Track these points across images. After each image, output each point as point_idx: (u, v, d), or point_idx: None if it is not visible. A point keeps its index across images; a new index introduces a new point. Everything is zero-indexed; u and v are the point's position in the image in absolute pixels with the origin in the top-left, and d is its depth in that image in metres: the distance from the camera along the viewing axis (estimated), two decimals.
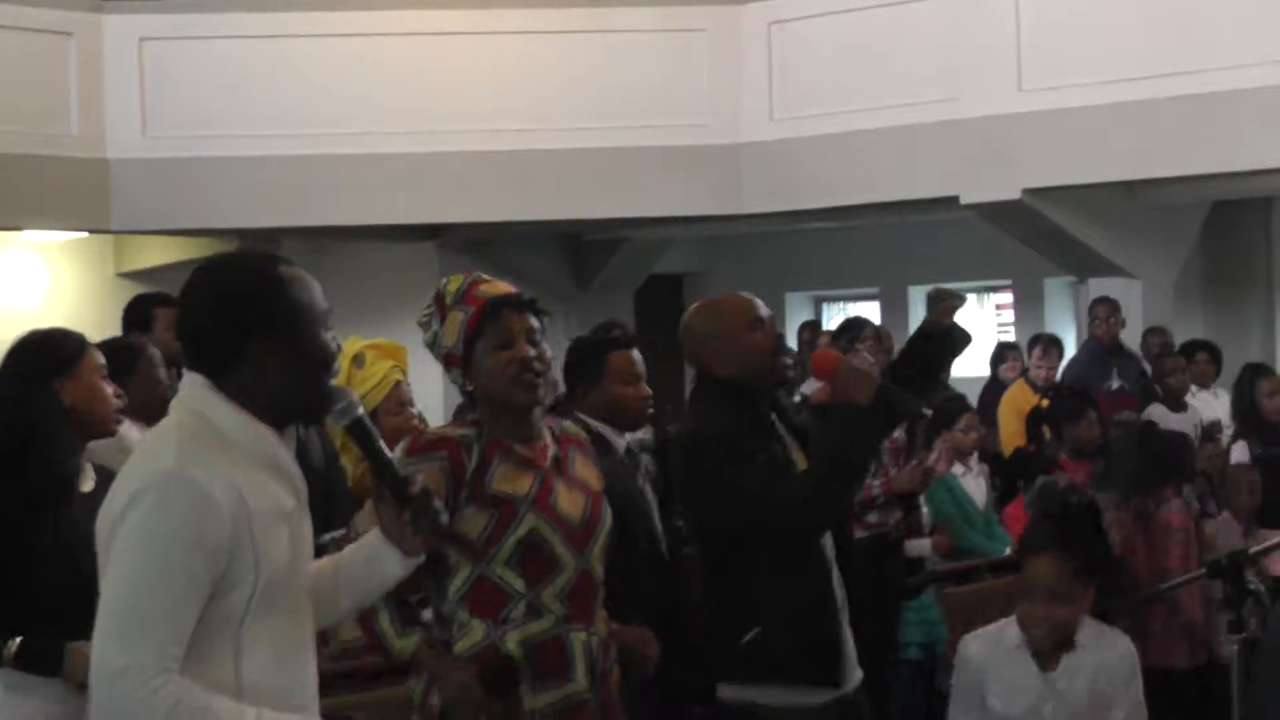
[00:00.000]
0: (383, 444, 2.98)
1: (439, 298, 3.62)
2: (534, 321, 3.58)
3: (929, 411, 4.27)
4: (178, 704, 2.65)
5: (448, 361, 3.59)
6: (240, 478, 2.77)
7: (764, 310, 4.21)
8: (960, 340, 4.77)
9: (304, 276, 2.93)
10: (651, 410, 5.12)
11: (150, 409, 4.70)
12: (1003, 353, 11.38)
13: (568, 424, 3.74)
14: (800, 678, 4.03)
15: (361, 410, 2.97)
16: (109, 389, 4.24)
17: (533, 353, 3.53)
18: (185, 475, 2.72)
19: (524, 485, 3.50)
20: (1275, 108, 9.44)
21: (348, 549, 3.10)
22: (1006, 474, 9.05)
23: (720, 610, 4.10)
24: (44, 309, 12.06)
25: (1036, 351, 10.36)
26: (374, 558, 3.01)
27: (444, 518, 2.98)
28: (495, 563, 3.45)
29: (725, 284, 15.31)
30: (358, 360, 5.31)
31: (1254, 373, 8.86)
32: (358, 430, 2.96)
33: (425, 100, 11.20)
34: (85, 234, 12.16)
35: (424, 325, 3.65)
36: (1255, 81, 9.48)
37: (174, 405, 2.89)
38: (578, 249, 13.62)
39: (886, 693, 6.88)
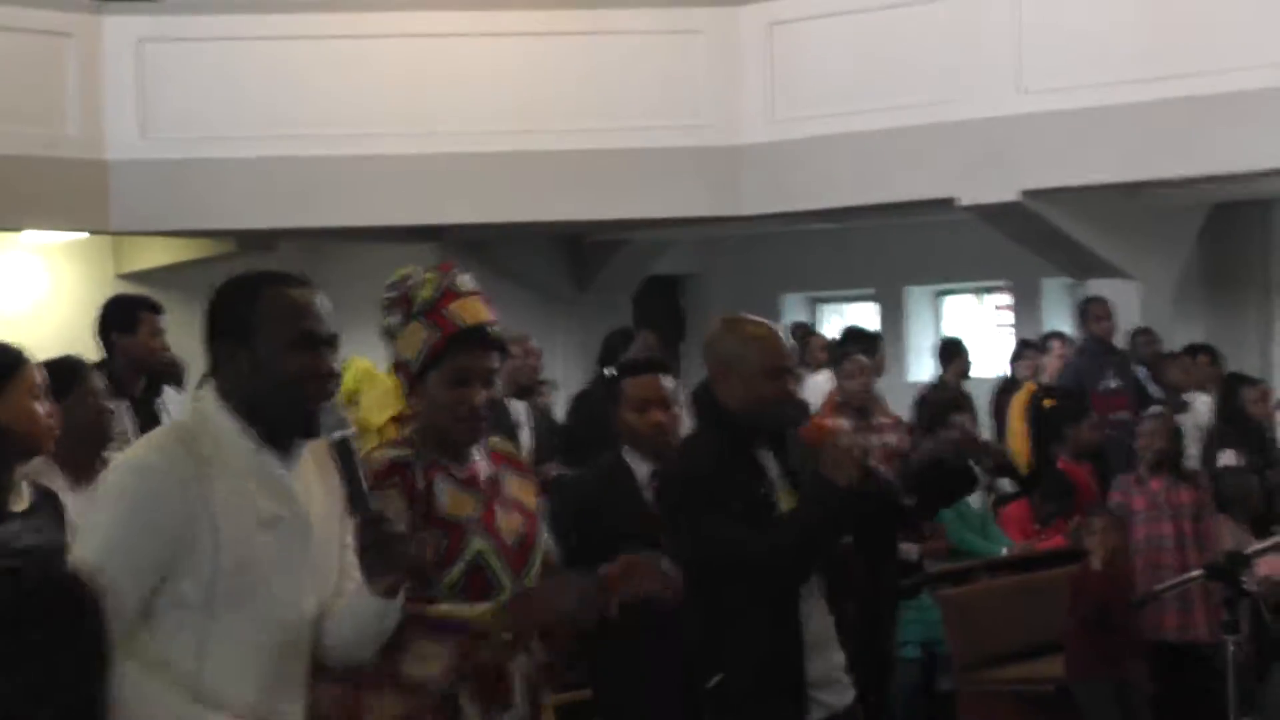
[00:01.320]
0: (362, 474, 2.99)
1: (406, 298, 3.45)
2: (495, 361, 3.45)
3: (910, 503, 4.28)
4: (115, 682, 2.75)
5: (397, 366, 3.48)
6: (216, 475, 2.90)
7: (790, 359, 4.18)
8: (970, 483, 4.77)
9: (294, 297, 3.01)
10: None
11: (83, 432, 4.52)
12: (1022, 351, 11.37)
13: (495, 440, 3.60)
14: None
15: (352, 431, 3.03)
16: (41, 408, 4.12)
17: (484, 397, 3.41)
18: (144, 462, 2.92)
19: (468, 507, 3.41)
20: (1274, 110, 9.45)
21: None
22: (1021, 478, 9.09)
23: (694, 647, 4.11)
24: (43, 310, 12.06)
25: (1056, 346, 10.36)
26: (359, 584, 3.03)
27: (399, 555, 2.97)
28: (444, 588, 3.36)
29: (724, 286, 15.35)
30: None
31: (1238, 381, 8.90)
32: (342, 449, 2.99)
33: (425, 102, 11.20)
34: (84, 235, 12.15)
35: (385, 309, 3.49)
36: (1254, 83, 9.48)
37: (188, 405, 3.05)
38: (576, 250, 13.62)
39: (887, 696, 6.89)
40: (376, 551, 2.95)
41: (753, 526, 3.98)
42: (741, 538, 3.98)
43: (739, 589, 3.99)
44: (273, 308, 3.00)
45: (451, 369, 3.40)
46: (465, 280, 3.49)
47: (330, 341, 3.04)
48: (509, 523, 3.49)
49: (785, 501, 4.10)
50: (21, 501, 4.01)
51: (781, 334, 4.21)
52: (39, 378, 4.16)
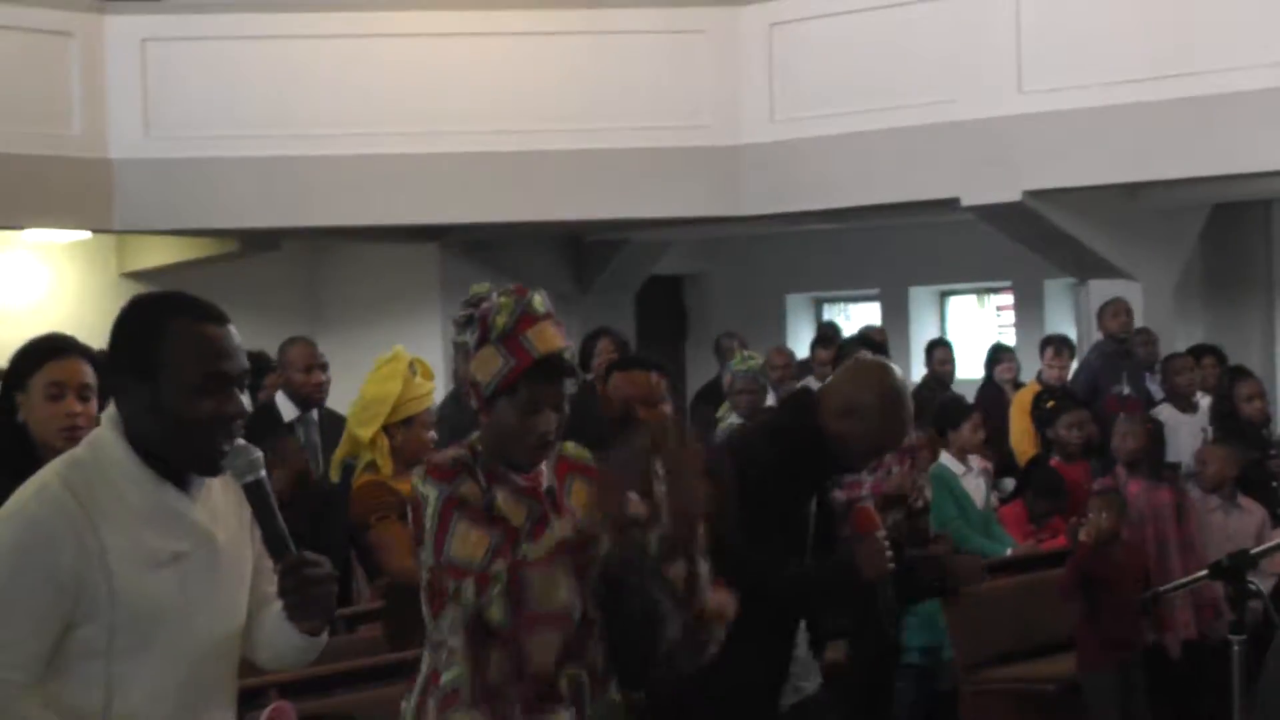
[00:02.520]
0: (274, 511, 2.93)
1: (484, 321, 3.43)
2: (567, 387, 3.46)
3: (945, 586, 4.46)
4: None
5: (470, 384, 3.47)
6: (107, 519, 2.79)
7: (906, 441, 4.42)
8: (936, 594, 4.84)
9: (203, 335, 2.85)
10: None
11: None
12: (997, 354, 11.38)
13: (569, 446, 3.60)
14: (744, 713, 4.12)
15: (263, 474, 2.91)
16: (58, 407, 4.03)
17: (554, 423, 3.43)
18: (29, 514, 2.78)
19: (520, 516, 3.42)
20: (1275, 110, 9.45)
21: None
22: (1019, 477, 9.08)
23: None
24: (46, 309, 12.07)
25: (1049, 353, 10.36)
26: (281, 617, 2.96)
27: (320, 597, 2.92)
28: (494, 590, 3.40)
29: (726, 286, 15.36)
30: (413, 368, 5.35)
31: (1233, 376, 8.88)
32: (255, 493, 2.90)
33: (427, 101, 11.21)
34: (88, 234, 12.16)
35: (459, 326, 3.49)
36: (1255, 84, 9.49)
37: (94, 431, 2.93)
38: (578, 250, 13.63)
39: (891, 697, 6.88)
40: (299, 595, 2.90)
41: (787, 547, 4.07)
42: (760, 555, 4.01)
43: (745, 597, 4.01)
44: (180, 345, 2.83)
45: (524, 398, 3.40)
46: (539, 302, 3.47)
47: (240, 380, 2.89)
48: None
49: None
50: None
51: (907, 418, 4.21)
52: (58, 375, 4.13)
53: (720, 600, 3.51)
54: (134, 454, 2.84)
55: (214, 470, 2.88)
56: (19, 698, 2.75)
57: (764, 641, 4.05)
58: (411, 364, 5.42)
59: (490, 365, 3.42)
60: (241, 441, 2.89)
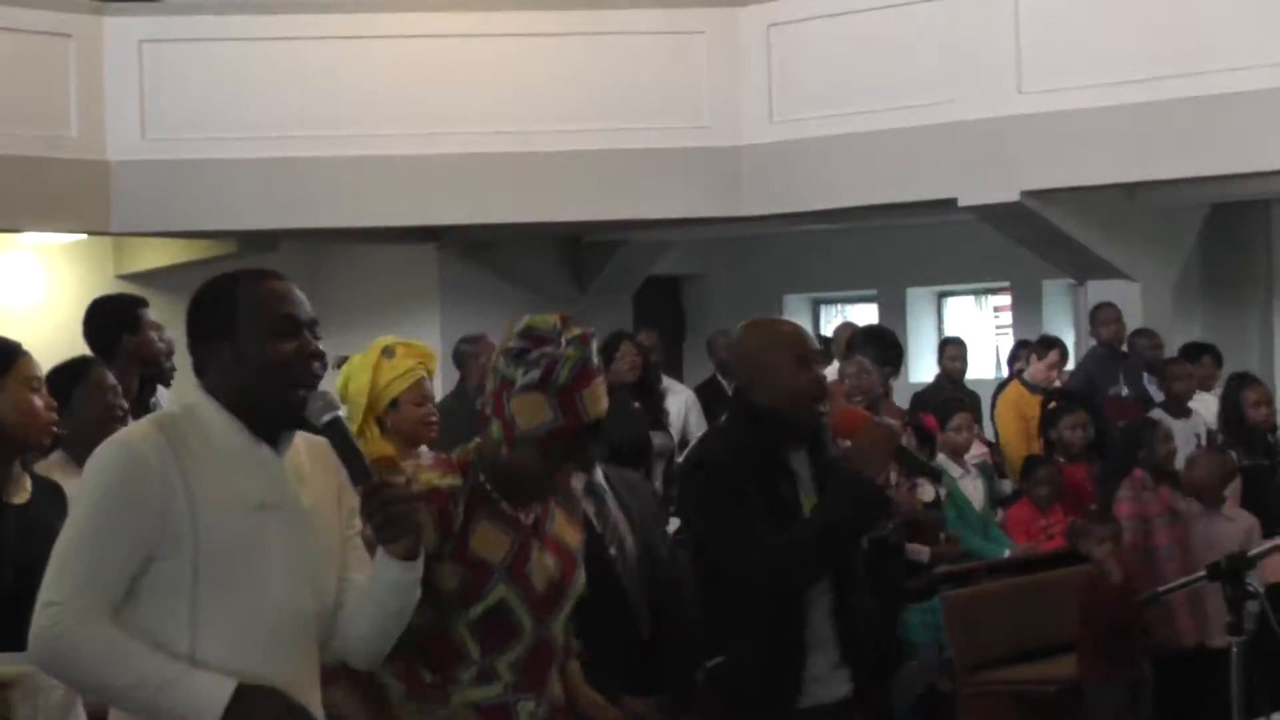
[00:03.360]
0: (359, 448, 3.05)
1: (549, 370, 3.36)
2: (597, 450, 3.60)
3: (940, 473, 4.32)
4: (92, 639, 2.89)
5: (497, 412, 3.41)
6: (197, 460, 2.97)
7: (814, 346, 4.20)
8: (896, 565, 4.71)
9: (270, 288, 3.12)
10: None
11: (93, 428, 4.50)
12: (1018, 351, 11.38)
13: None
14: (756, 714, 4.06)
15: (341, 412, 3.07)
16: (39, 402, 4.06)
17: (573, 480, 3.62)
18: (123, 440, 3.00)
19: (500, 550, 3.40)
20: (1274, 110, 9.44)
21: None
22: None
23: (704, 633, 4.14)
24: (43, 311, 12.05)
25: (1052, 355, 10.36)
26: (377, 560, 3.08)
27: (402, 515, 3.00)
28: (459, 623, 3.37)
29: (725, 286, 15.35)
30: (388, 351, 5.33)
31: (1240, 382, 8.87)
32: (334, 429, 3.05)
33: (425, 102, 11.20)
34: (85, 236, 12.15)
35: (511, 359, 3.41)
36: (1254, 84, 9.48)
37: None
38: (577, 251, 13.62)
39: (889, 695, 6.88)
40: (386, 514, 2.99)
41: (773, 525, 3.97)
42: (758, 533, 3.95)
43: (744, 586, 3.99)
44: (252, 299, 3.09)
45: (559, 453, 3.42)
46: (594, 354, 3.44)
47: (311, 325, 3.10)
48: (543, 567, 3.46)
49: (808, 504, 4.07)
50: (23, 494, 3.99)
51: (800, 327, 4.26)
52: (36, 370, 4.15)
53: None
54: (224, 413, 3.04)
55: (300, 409, 3.04)
56: (100, 622, 2.89)
57: (775, 611, 4.02)
58: (386, 349, 5.38)
59: (538, 414, 3.37)
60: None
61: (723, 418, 4.39)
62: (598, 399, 3.40)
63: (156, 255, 12.72)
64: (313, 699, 3.07)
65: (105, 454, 2.98)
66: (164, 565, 2.93)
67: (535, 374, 3.37)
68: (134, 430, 3.04)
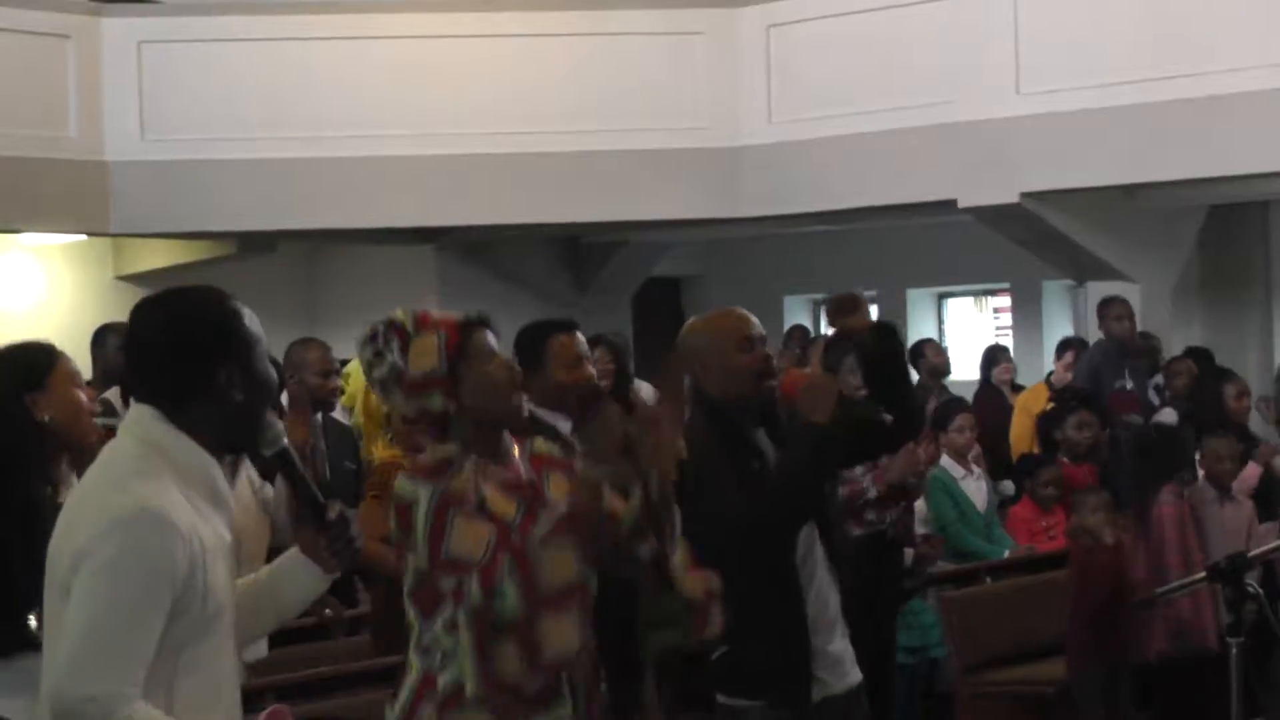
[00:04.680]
0: (305, 471, 3.10)
1: (397, 328, 3.51)
2: (494, 341, 3.59)
3: (888, 417, 4.32)
4: None
5: (425, 385, 3.47)
6: (193, 509, 2.87)
7: (756, 330, 4.27)
8: (890, 335, 4.58)
9: (248, 310, 3.01)
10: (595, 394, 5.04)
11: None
12: (994, 355, 11.37)
13: (539, 442, 3.65)
14: (769, 696, 4.11)
15: (285, 441, 3.06)
16: (84, 397, 4.13)
17: (513, 368, 3.58)
18: (151, 509, 2.78)
19: (510, 510, 3.44)
20: (1273, 112, 9.44)
21: (264, 568, 3.20)
22: (1015, 477, 9.06)
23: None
24: (42, 312, 12.06)
25: (1068, 357, 10.34)
26: (293, 572, 3.12)
27: (359, 542, 3.10)
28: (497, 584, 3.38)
29: (724, 287, 15.34)
30: None
31: (1220, 377, 8.91)
32: (282, 459, 3.07)
33: (424, 103, 11.20)
34: (84, 237, 12.15)
35: (374, 361, 3.52)
36: (1253, 85, 9.48)
37: (122, 434, 2.95)
38: (576, 252, 13.62)
39: (890, 694, 6.87)
40: (341, 544, 3.06)
41: (753, 497, 4.09)
42: (738, 503, 4.07)
43: (742, 568, 4.01)
44: (250, 323, 2.98)
45: (477, 353, 3.50)
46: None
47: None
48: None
49: None
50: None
51: (744, 313, 4.33)
52: (76, 367, 4.17)
53: (700, 580, 3.51)
54: (196, 446, 2.91)
55: (264, 437, 3.01)
56: (136, 700, 2.74)
57: (776, 590, 4.11)
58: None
59: (430, 348, 3.48)
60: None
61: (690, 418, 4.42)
62: (447, 316, 3.55)
63: (156, 256, 12.72)
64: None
65: (138, 530, 2.76)
66: (173, 626, 2.81)
67: (393, 336, 3.51)
68: (150, 493, 2.81)
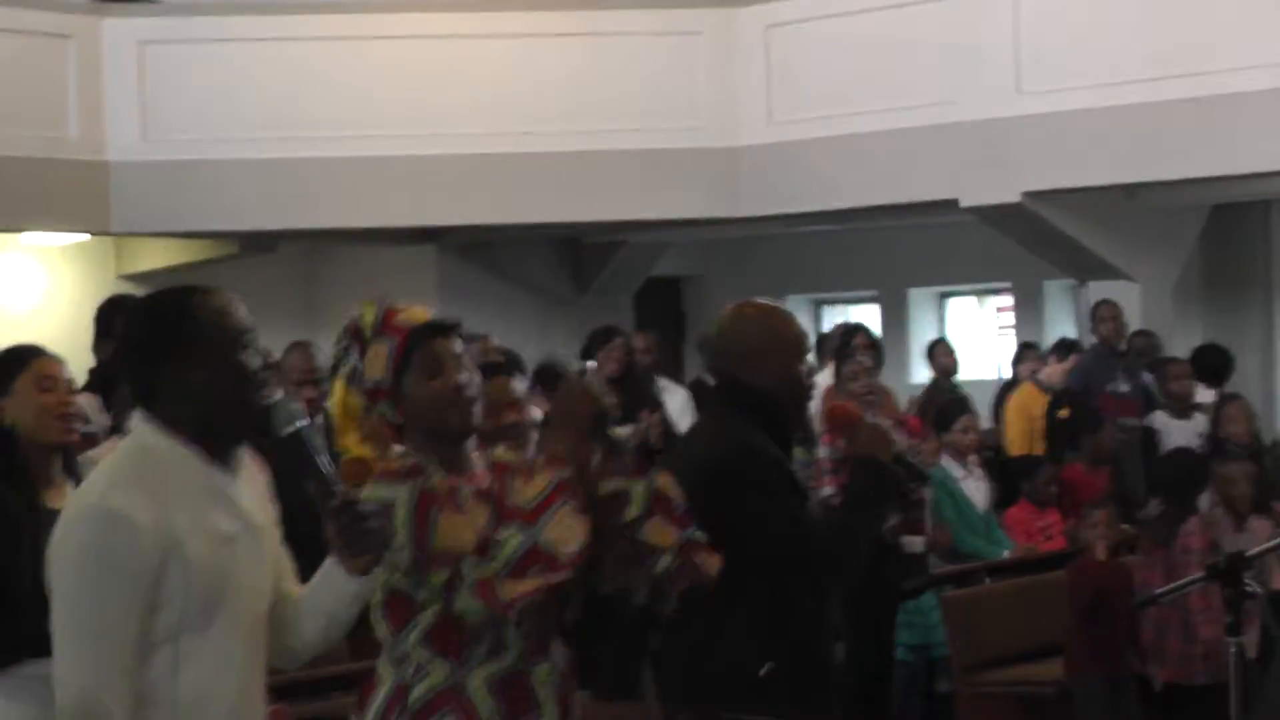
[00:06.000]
0: (321, 460, 3.04)
1: (355, 330, 3.47)
2: (458, 346, 3.49)
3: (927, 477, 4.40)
4: None
5: (374, 394, 3.45)
6: (174, 505, 2.89)
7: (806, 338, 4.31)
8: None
9: (218, 300, 3.02)
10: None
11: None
12: (1022, 353, 11.38)
13: (499, 450, 3.58)
14: (792, 713, 4.06)
15: (302, 423, 3.03)
16: (53, 400, 4.09)
17: (464, 378, 3.44)
18: (106, 506, 2.85)
19: (480, 518, 3.36)
20: (1275, 111, 9.45)
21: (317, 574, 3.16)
22: (1009, 477, 9.06)
23: (725, 635, 4.07)
24: (43, 312, 12.06)
25: (1052, 360, 10.35)
26: (326, 572, 3.10)
27: (375, 524, 3.03)
28: (460, 594, 3.33)
29: (724, 287, 15.32)
30: None
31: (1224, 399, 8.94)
32: (296, 441, 3.11)
33: (424, 103, 11.20)
34: (85, 237, 12.15)
35: (340, 360, 3.50)
36: (1255, 85, 9.49)
37: (127, 437, 3.04)
38: (576, 252, 13.63)
39: (888, 694, 6.88)
40: (352, 533, 3.00)
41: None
42: (808, 525, 4.03)
43: (777, 582, 3.99)
44: (209, 313, 2.99)
45: (421, 365, 3.42)
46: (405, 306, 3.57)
47: (253, 337, 3.06)
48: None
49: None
50: (61, 499, 3.98)
51: (793, 316, 4.30)
52: (50, 370, 4.14)
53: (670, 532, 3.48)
54: (181, 443, 2.95)
55: (257, 422, 3.02)
56: (121, 702, 2.82)
57: (808, 604, 4.08)
58: None
59: (379, 357, 3.44)
60: (278, 395, 3.04)
61: (712, 413, 4.37)
62: (415, 314, 3.48)
63: (157, 256, 12.72)
64: (264, 711, 3.09)
65: (94, 527, 2.86)
66: (157, 616, 2.88)
67: (352, 342, 3.47)
68: (114, 490, 2.89)
